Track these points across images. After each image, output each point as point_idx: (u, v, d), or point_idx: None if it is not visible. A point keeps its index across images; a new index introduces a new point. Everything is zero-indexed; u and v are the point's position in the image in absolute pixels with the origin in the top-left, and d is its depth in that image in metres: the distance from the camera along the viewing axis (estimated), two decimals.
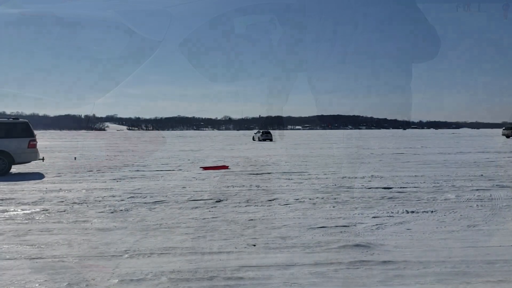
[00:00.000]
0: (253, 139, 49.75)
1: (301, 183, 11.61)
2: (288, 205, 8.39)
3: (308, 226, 6.64)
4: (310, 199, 9.06)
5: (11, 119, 15.25)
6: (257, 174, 13.82)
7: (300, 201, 8.80)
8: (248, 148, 32.44)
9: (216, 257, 5.12)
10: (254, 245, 5.61)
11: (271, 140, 47.42)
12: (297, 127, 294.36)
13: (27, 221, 7.08)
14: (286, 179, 12.50)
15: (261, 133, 47.84)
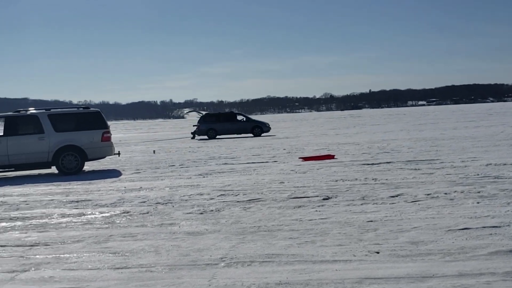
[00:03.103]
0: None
1: (432, 173, 11.28)
2: (418, 202, 8.20)
3: (446, 228, 6.43)
4: (445, 193, 8.79)
5: (81, 109, 16.36)
6: (372, 164, 13.65)
7: (433, 197, 8.56)
8: (357, 132, 32.06)
9: (330, 267, 5.13)
10: (378, 252, 5.55)
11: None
12: (421, 102, 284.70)
13: (107, 226, 7.61)
14: (412, 169, 12.21)
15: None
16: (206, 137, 33.25)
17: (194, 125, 35.52)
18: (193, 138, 34.44)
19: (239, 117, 34.75)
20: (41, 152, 14.75)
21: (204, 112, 33.49)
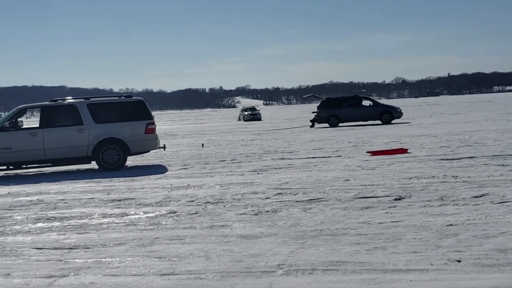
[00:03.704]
0: (239, 119, 59.55)
1: None
2: (506, 203, 8.03)
3: None
4: None
5: (123, 98, 16.67)
6: (452, 159, 13.43)
7: None
8: (434, 123, 31.50)
9: (403, 277, 5.08)
10: (459, 261, 5.47)
11: (259, 119, 54.78)
12: (509, 87, 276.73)
13: (152, 227, 7.77)
14: (499, 165, 11.95)
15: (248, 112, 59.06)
16: (327, 125, 32.88)
17: (313, 112, 34.98)
18: (312, 126, 33.97)
19: (365, 102, 34.07)
20: (80, 146, 15.11)
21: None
